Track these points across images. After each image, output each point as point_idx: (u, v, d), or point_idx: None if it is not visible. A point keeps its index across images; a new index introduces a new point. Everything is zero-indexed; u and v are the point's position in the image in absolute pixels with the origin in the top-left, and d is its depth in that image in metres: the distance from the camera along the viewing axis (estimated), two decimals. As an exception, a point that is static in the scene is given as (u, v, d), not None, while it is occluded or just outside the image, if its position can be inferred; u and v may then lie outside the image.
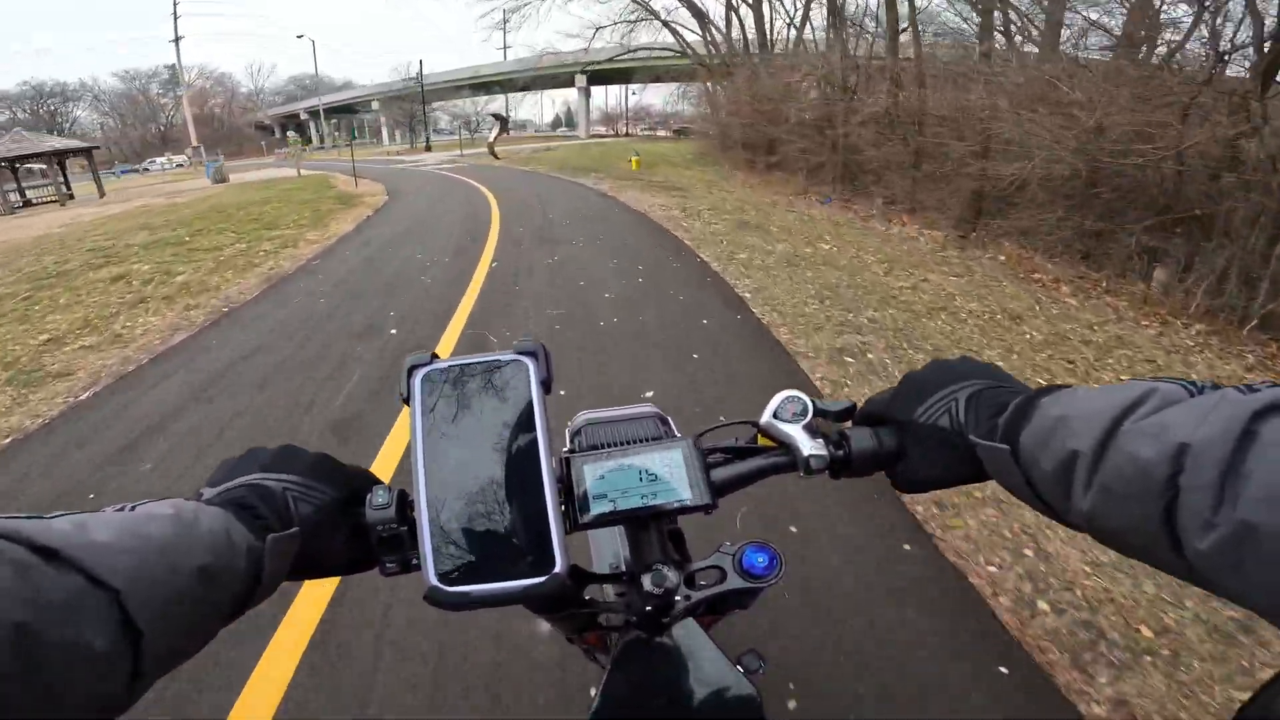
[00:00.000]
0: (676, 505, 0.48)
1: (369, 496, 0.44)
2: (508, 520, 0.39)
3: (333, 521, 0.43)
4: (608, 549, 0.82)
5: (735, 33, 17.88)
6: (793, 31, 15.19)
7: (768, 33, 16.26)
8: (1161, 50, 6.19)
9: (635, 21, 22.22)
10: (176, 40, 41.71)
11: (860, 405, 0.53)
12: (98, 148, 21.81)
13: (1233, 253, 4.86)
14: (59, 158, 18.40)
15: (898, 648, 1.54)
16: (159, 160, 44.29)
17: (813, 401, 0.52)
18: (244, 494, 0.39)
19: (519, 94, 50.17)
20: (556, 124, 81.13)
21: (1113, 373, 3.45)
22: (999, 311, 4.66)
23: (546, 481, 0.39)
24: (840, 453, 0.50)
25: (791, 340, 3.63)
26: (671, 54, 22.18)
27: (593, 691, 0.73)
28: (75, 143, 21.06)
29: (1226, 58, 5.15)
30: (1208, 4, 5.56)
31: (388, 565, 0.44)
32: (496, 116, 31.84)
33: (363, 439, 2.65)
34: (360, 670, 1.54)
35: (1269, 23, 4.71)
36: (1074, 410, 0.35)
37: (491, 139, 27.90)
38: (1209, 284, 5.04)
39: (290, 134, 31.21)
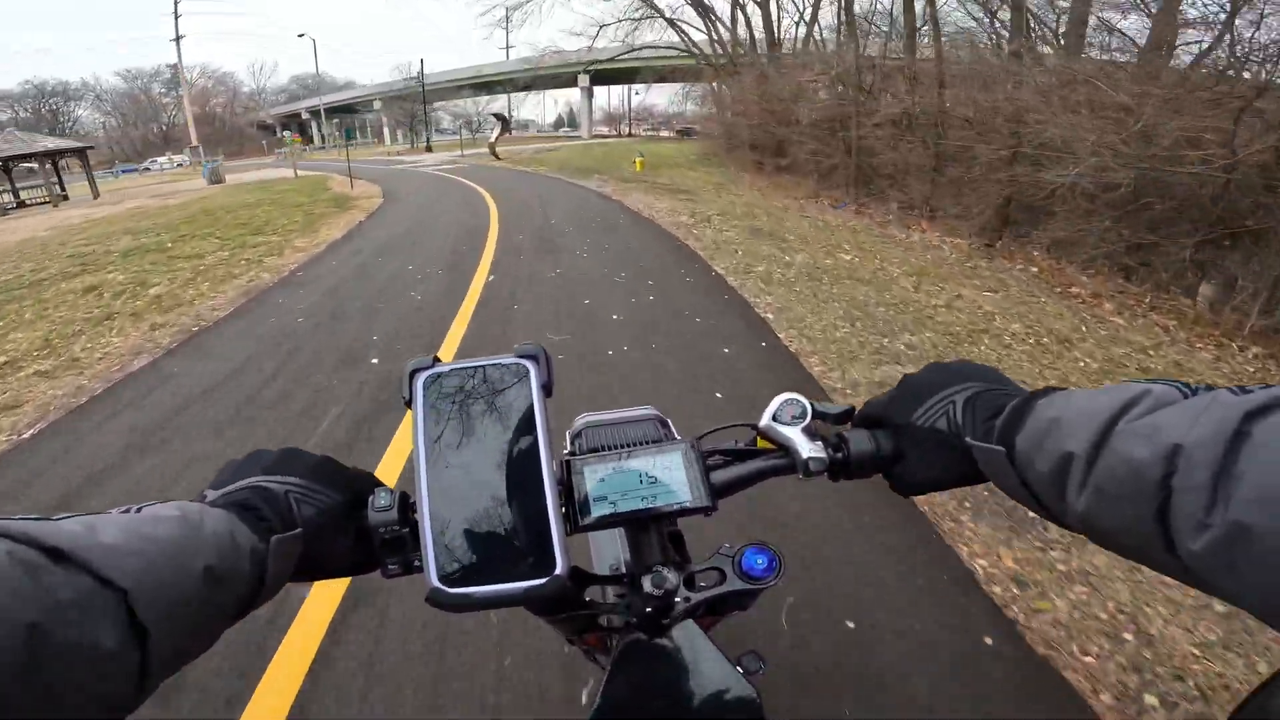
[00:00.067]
0: (676, 507, 0.48)
1: (371, 499, 0.44)
2: (509, 522, 0.39)
3: (335, 523, 0.43)
4: (608, 551, 0.82)
5: (742, 31, 17.49)
6: (801, 29, 14.79)
7: (775, 31, 15.86)
8: (1183, 50, 5.82)
9: (640, 19, 21.86)
10: (177, 39, 41.37)
11: (859, 408, 0.53)
12: (92, 148, 21.44)
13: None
14: (52, 158, 18.06)
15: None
16: (160, 160, 44.04)
17: (811, 404, 0.52)
18: (247, 496, 0.40)
19: (521, 94, 49.70)
20: (559, 124, 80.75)
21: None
22: (1044, 333, 4.24)
23: (547, 484, 0.40)
24: (839, 455, 0.50)
25: (825, 374, 3.21)
26: (676, 53, 21.77)
27: (585, 698, 0.72)
28: (68, 143, 20.71)
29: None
30: (1242, 3, 5.16)
31: (390, 567, 0.44)
32: (498, 116, 31.43)
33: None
34: None
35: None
36: (1068, 412, 0.35)
37: (493, 139, 27.57)
38: (1263, 302, 4.63)
39: (285, 133, 30.73)
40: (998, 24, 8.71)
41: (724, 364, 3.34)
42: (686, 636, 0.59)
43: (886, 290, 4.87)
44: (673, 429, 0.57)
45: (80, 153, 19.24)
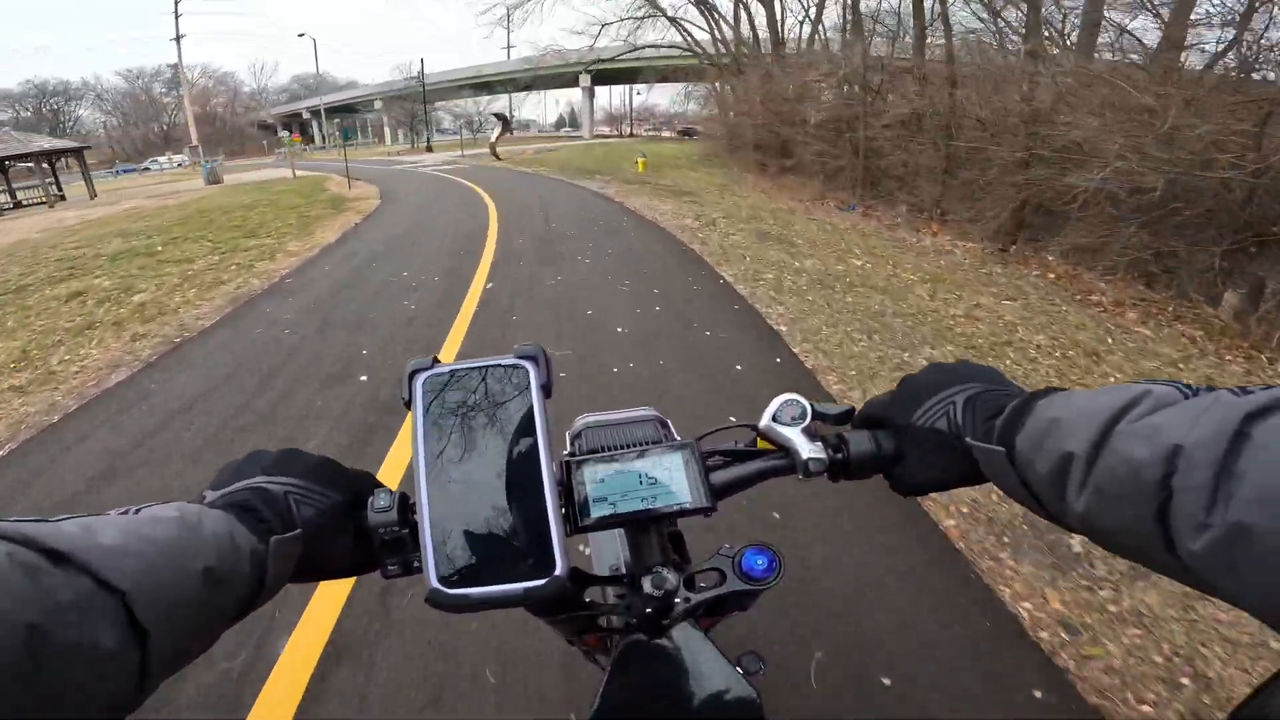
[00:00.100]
0: (676, 508, 0.47)
1: (371, 499, 0.44)
2: (508, 523, 0.38)
3: (335, 524, 0.43)
4: (608, 551, 0.81)
5: (745, 30, 17.28)
6: (806, 28, 14.59)
7: (780, 30, 15.66)
8: (1198, 50, 5.60)
9: (642, 18, 21.67)
10: (178, 39, 41.11)
11: (859, 408, 0.52)
12: (88, 148, 21.27)
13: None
14: (49, 158, 17.88)
15: None
16: (160, 160, 43.92)
17: (811, 405, 0.51)
18: (247, 497, 0.39)
19: (522, 94, 49.48)
20: (560, 124, 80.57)
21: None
22: (1070, 346, 4.04)
23: (547, 484, 0.39)
24: (839, 456, 0.49)
25: (845, 393, 3.00)
26: (679, 52, 21.57)
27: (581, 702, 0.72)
28: (65, 143, 20.53)
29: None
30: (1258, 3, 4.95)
31: (390, 567, 0.44)
32: (499, 116, 31.22)
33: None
34: None
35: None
36: (1068, 412, 0.35)
37: (493, 139, 27.37)
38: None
39: (283, 133, 30.46)
40: (1006, 24, 8.49)
41: (737, 383, 3.13)
42: (686, 637, 0.59)
43: (902, 299, 4.67)
44: (673, 430, 0.56)
45: (77, 153, 19.06)
